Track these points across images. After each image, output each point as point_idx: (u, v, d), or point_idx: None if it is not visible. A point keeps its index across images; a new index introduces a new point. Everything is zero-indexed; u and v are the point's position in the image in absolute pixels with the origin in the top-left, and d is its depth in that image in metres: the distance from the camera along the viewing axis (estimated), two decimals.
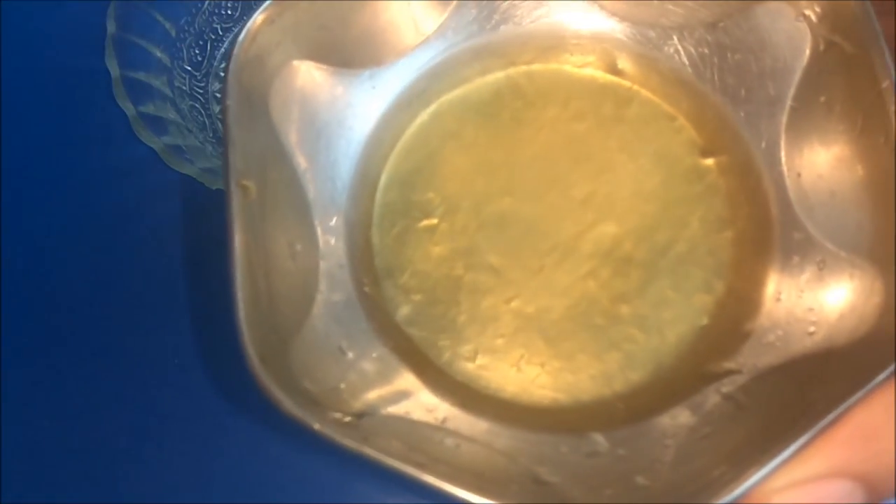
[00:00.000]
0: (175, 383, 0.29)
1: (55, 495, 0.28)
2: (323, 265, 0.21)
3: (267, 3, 0.19)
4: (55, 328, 0.30)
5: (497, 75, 0.24)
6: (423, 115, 0.24)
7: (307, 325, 0.20)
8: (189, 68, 0.33)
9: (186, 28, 0.32)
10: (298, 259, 0.20)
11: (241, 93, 0.19)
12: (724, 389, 0.20)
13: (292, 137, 0.21)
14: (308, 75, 0.21)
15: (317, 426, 0.16)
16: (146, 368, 0.29)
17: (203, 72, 0.34)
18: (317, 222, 0.21)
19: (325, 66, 0.22)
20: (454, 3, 0.23)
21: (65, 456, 0.29)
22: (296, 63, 0.21)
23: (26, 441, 0.29)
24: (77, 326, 0.30)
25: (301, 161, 0.21)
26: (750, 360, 0.20)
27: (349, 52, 0.22)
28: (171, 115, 0.31)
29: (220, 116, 0.33)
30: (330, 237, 0.22)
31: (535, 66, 0.24)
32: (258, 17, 0.19)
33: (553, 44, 0.24)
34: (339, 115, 0.22)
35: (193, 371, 0.29)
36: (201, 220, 0.31)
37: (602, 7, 0.23)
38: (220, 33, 0.34)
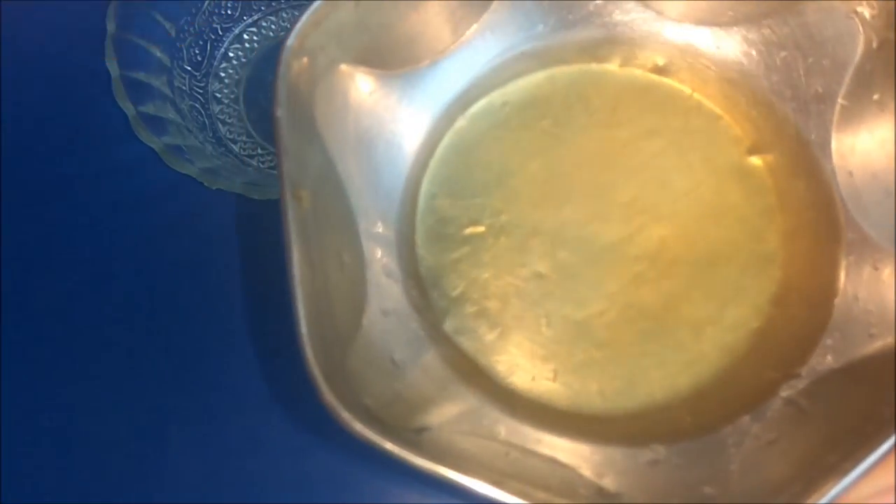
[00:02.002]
0: (181, 382, 0.29)
1: (55, 495, 0.28)
2: (368, 275, 0.20)
3: (315, 4, 0.18)
4: (55, 327, 0.30)
5: (538, 76, 0.23)
6: (463, 119, 0.23)
7: (359, 337, 0.19)
8: (189, 68, 0.32)
9: (186, 28, 0.32)
10: (347, 270, 0.20)
11: (289, 97, 0.18)
12: (785, 394, 0.20)
13: (336, 144, 0.20)
14: (350, 79, 0.21)
15: (388, 446, 0.16)
16: (147, 367, 0.29)
17: (203, 72, 0.33)
18: (361, 230, 0.21)
19: (366, 69, 0.21)
20: (493, 3, 0.22)
21: (65, 456, 0.28)
22: (339, 67, 0.20)
23: (27, 441, 0.28)
24: (77, 325, 0.30)
25: (344, 167, 0.21)
26: (810, 363, 0.20)
27: (389, 53, 0.21)
28: (171, 115, 0.30)
29: (219, 117, 0.32)
30: (374, 246, 0.21)
31: (577, 66, 0.23)
32: (306, 20, 0.18)
33: (595, 44, 0.23)
34: (379, 118, 0.22)
35: (201, 369, 0.29)
36: (201, 219, 0.31)
37: (647, 6, 0.23)
38: (220, 33, 0.33)
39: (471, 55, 0.23)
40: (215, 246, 0.31)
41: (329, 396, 0.16)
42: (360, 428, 0.16)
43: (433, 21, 0.22)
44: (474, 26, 0.23)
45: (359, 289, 0.20)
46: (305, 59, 0.19)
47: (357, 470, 0.27)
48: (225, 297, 0.30)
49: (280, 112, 0.18)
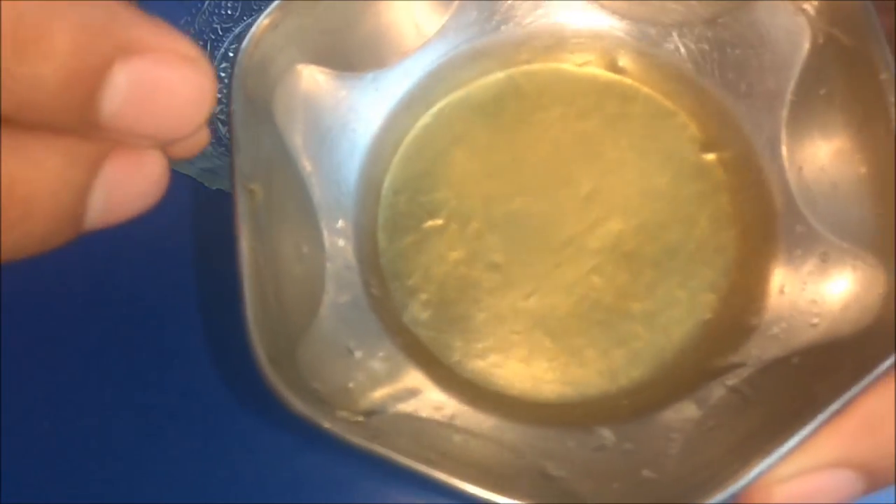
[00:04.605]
0: (179, 382, 0.29)
1: (55, 495, 0.28)
2: (329, 267, 0.21)
3: (271, 6, 0.19)
4: (55, 327, 0.30)
5: (498, 75, 0.24)
6: (426, 117, 0.24)
7: (315, 326, 0.20)
8: None
9: (186, 28, 0.33)
10: (305, 261, 0.21)
11: (246, 97, 0.19)
12: (730, 382, 0.20)
13: (297, 141, 0.21)
14: (311, 79, 0.22)
15: (326, 425, 0.17)
16: (146, 367, 0.29)
17: None
18: (322, 224, 0.22)
19: (328, 70, 0.22)
20: (455, 4, 0.23)
21: (65, 456, 0.29)
22: (299, 67, 0.21)
23: (26, 441, 0.29)
24: (76, 325, 0.30)
25: (306, 164, 0.21)
26: (755, 352, 0.20)
27: (352, 55, 0.22)
28: None
29: (220, 117, 0.33)
30: (336, 239, 0.22)
31: (536, 66, 0.24)
32: (262, 22, 0.19)
33: (554, 43, 0.24)
34: (342, 118, 0.22)
35: (197, 370, 0.29)
36: (201, 219, 0.32)
37: (602, 6, 0.23)
38: (220, 33, 0.34)
39: (433, 56, 0.24)
40: (215, 246, 0.32)
41: (271, 377, 0.17)
42: (300, 407, 0.17)
43: (394, 23, 0.23)
44: (437, 28, 0.23)
45: (317, 279, 0.21)
46: (263, 60, 0.20)
47: (348, 470, 0.28)
48: (224, 296, 0.31)
49: (235, 107, 0.19)
